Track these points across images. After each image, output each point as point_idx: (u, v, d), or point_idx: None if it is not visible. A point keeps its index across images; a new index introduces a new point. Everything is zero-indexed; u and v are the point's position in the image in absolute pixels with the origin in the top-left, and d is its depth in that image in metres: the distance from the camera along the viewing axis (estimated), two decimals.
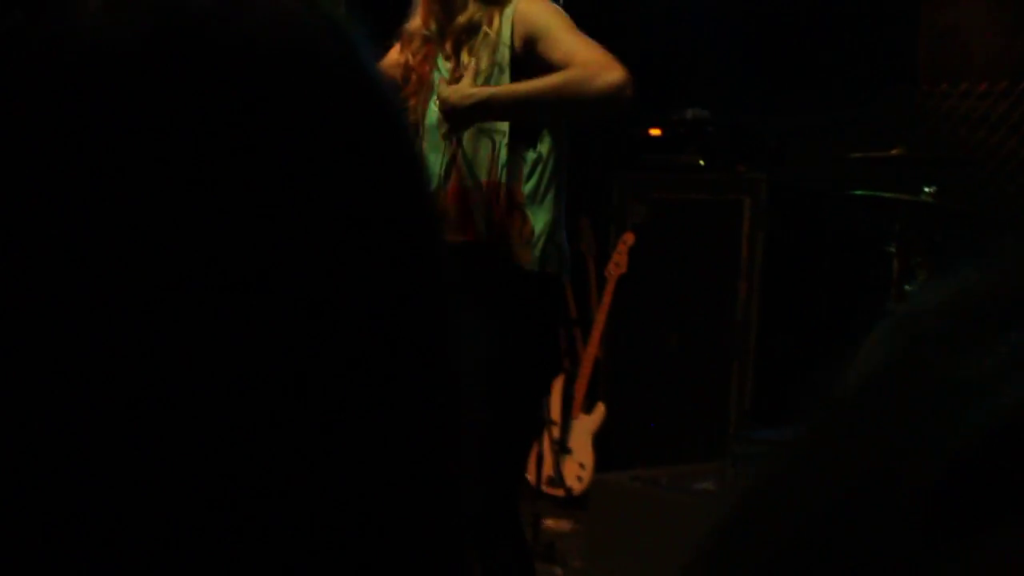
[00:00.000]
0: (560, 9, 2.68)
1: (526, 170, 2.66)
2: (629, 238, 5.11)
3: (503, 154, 2.63)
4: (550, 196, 2.69)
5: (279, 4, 0.45)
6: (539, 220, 2.66)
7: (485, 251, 2.62)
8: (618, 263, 5.16)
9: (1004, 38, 5.28)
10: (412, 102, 2.67)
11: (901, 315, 0.37)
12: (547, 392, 2.83)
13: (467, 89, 2.57)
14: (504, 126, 2.64)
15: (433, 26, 2.71)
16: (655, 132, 5.39)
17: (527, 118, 2.66)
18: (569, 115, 2.70)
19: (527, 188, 2.66)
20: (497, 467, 2.56)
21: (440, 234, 0.49)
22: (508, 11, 2.65)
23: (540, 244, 2.65)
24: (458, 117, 2.57)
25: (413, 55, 2.73)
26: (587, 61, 2.53)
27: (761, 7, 5.77)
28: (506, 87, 2.59)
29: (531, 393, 2.78)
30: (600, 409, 5.14)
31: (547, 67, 2.57)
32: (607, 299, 5.14)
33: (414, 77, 2.71)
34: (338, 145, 0.44)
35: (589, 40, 2.60)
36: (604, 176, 5.50)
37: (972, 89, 5.33)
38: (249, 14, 0.43)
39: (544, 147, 2.69)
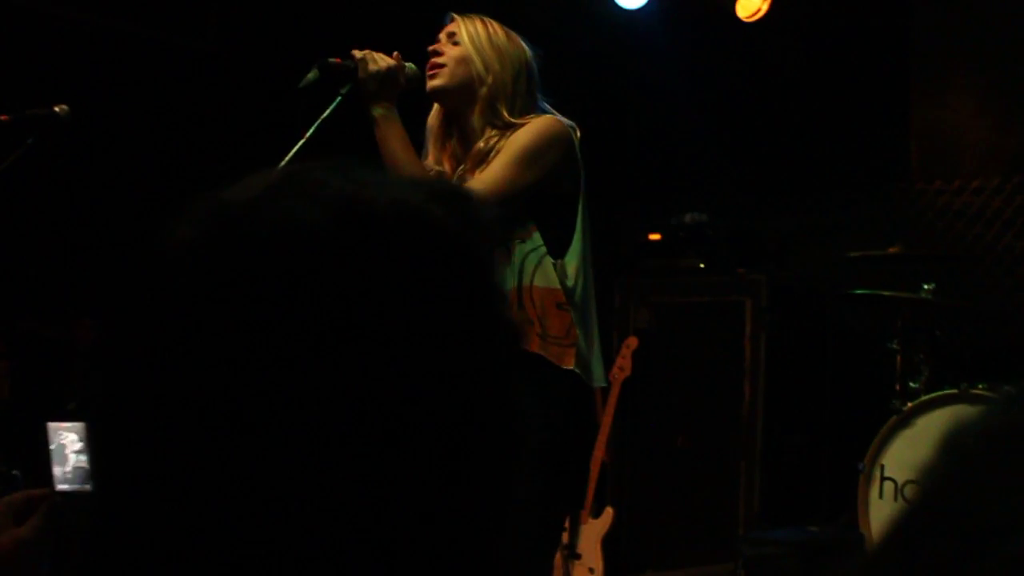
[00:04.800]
0: (544, 131, 2.69)
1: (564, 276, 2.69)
2: (632, 342, 5.12)
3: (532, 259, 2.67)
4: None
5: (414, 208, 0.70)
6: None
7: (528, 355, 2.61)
8: (622, 367, 5.17)
9: (994, 134, 5.36)
10: None
11: (959, 433, 0.55)
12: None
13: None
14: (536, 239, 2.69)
15: (447, 167, 2.76)
16: (655, 237, 5.45)
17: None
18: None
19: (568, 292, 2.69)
20: (535, 538, 2.56)
21: (513, 340, 0.72)
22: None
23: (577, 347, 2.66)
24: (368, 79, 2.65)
25: None
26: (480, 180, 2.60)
27: (754, 112, 5.87)
28: (396, 126, 2.65)
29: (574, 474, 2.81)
30: (608, 513, 5.11)
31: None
32: (612, 403, 5.14)
33: None
34: (447, 290, 0.69)
35: (513, 170, 2.62)
36: (606, 281, 5.54)
37: (966, 185, 5.40)
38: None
39: (573, 259, 2.71)
